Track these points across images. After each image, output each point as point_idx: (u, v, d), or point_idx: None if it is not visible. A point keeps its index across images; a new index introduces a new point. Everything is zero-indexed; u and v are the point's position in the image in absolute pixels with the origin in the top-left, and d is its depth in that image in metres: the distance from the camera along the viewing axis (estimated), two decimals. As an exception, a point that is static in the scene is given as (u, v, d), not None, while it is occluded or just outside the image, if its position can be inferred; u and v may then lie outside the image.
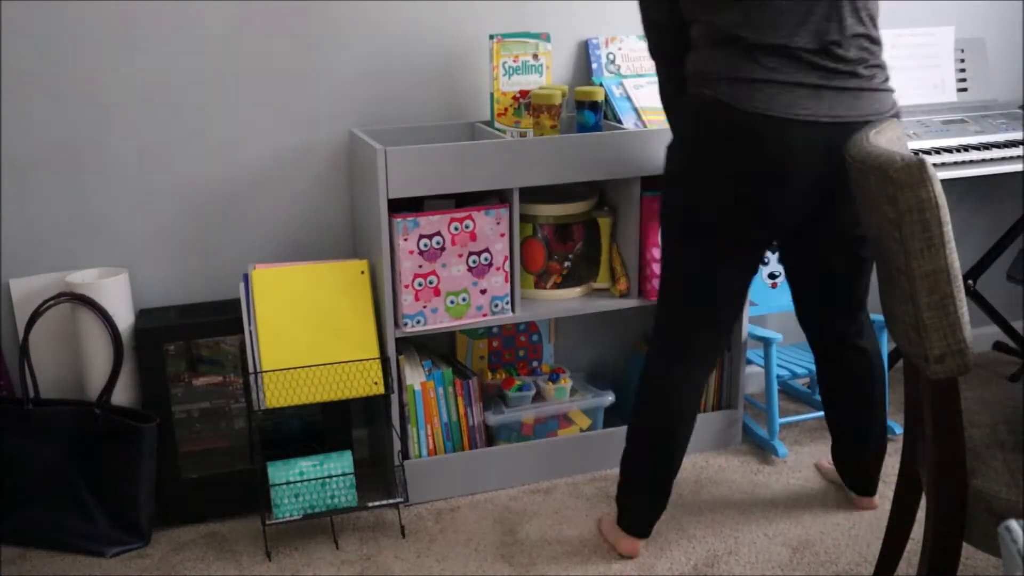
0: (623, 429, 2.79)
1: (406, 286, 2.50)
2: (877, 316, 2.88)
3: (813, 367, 2.89)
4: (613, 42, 2.85)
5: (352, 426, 2.71)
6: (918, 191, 1.55)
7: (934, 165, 2.62)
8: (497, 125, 2.70)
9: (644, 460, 2.35)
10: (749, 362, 2.95)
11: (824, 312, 2.40)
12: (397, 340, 2.56)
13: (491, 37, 2.65)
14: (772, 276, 2.99)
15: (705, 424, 2.85)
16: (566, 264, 2.72)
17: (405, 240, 2.47)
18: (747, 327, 2.83)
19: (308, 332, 2.49)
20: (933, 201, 1.55)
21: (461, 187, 2.48)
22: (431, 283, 2.52)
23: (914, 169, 1.54)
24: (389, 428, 2.58)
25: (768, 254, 2.94)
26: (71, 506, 2.47)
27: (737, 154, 2.07)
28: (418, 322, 2.53)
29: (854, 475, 2.54)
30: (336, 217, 2.79)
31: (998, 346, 3.44)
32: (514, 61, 2.66)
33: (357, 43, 2.69)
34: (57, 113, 2.54)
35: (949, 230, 1.57)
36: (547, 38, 2.69)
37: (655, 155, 2.58)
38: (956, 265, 1.58)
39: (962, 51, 3.14)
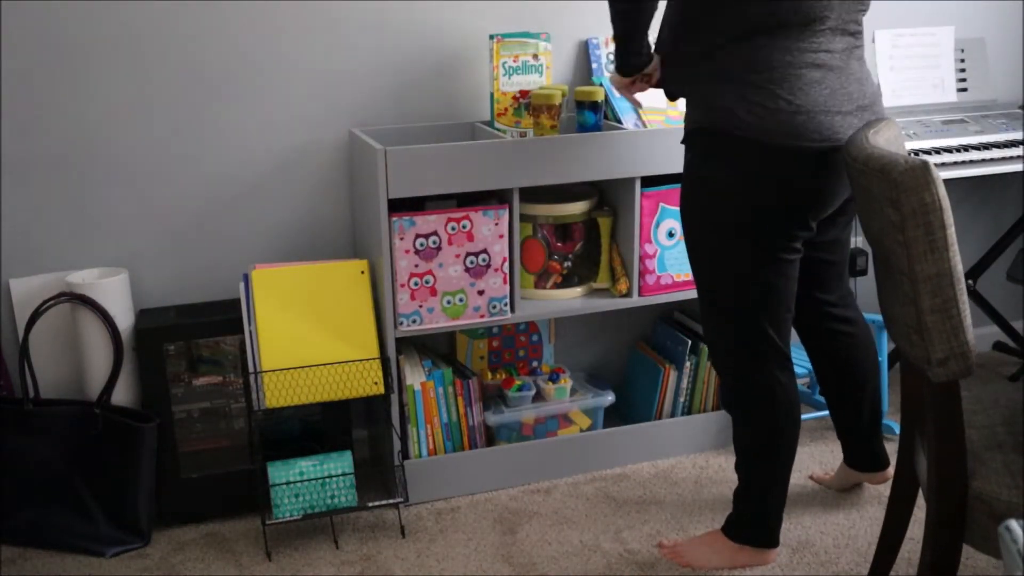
0: (623, 429, 2.80)
1: (402, 285, 2.50)
2: (876, 316, 2.89)
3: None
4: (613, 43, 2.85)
5: (352, 426, 2.70)
6: (922, 194, 1.55)
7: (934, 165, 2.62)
8: (497, 125, 2.69)
9: (778, 470, 2.27)
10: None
11: (817, 294, 2.41)
12: (397, 340, 2.56)
13: (491, 37, 2.65)
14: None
15: (705, 424, 2.85)
16: (566, 264, 2.72)
17: (401, 239, 2.47)
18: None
19: (308, 332, 2.49)
20: (937, 204, 1.55)
21: (461, 187, 2.48)
22: (427, 283, 2.52)
23: (918, 172, 1.54)
24: (389, 428, 2.58)
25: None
26: (71, 506, 2.47)
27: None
28: (414, 321, 2.53)
29: (866, 450, 2.55)
30: (336, 217, 2.79)
31: (998, 346, 3.45)
32: (514, 61, 2.66)
33: (357, 43, 2.69)
34: (57, 113, 2.53)
35: (952, 233, 1.57)
36: (547, 38, 2.69)
37: (655, 155, 2.58)
38: (959, 268, 1.58)
39: (962, 51, 3.14)
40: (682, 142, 2.21)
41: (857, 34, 2.11)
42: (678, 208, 2.27)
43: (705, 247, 2.19)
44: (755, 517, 2.32)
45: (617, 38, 2.24)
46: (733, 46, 2.04)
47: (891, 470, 2.57)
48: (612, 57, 2.83)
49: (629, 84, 2.33)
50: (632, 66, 2.26)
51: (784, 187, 2.07)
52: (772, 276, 2.15)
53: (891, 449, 2.86)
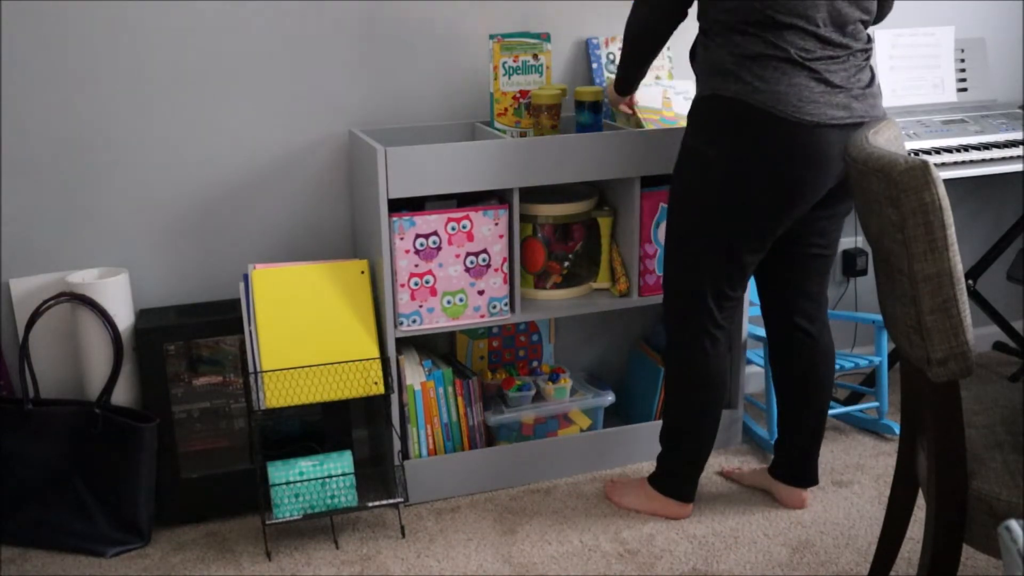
0: (623, 429, 2.80)
1: (402, 285, 2.50)
2: (876, 316, 2.89)
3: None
4: (613, 42, 2.85)
5: (352, 426, 2.70)
6: (922, 194, 1.55)
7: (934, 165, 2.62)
8: (497, 125, 2.69)
9: (700, 429, 2.45)
10: (749, 362, 2.95)
11: (795, 292, 2.44)
12: (397, 340, 2.56)
13: (491, 37, 2.65)
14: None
15: (705, 424, 2.85)
16: (566, 264, 2.72)
17: (401, 239, 2.47)
18: (747, 327, 2.83)
19: (308, 332, 2.49)
20: (937, 204, 1.55)
21: (461, 187, 2.48)
22: (427, 283, 2.52)
23: (918, 171, 1.54)
24: (389, 428, 2.58)
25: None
26: (71, 506, 2.47)
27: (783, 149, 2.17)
28: (414, 321, 2.53)
29: (797, 462, 2.55)
30: (336, 217, 2.79)
31: (998, 346, 3.45)
32: (514, 61, 2.66)
33: (357, 43, 2.69)
34: (57, 113, 2.53)
35: (952, 232, 1.57)
36: (547, 38, 2.68)
37: (655, 155, 2.58)
38: (959, 267, 1.58)
39: (962, 51, 3.14)
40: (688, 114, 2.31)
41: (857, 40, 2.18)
42: None
43: (684, 215, 2.31)
44: (670, 470, 2.52)
45: (625, 58, 2.45)
46: (727, 37, 2.17)
47: (808, 495, 2.58)
48: (613, 58, 2.84)
49: (621, 99, 2.61)
50: (626, 90, 2.54)
51: (773, 161, 2.15)
52: (733, 258, 2.27)
53: (891, 449, 2.87)
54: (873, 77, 2.22)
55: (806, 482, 2.56)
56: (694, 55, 2.32)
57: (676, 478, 2.52)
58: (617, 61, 2.57)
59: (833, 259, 2.45)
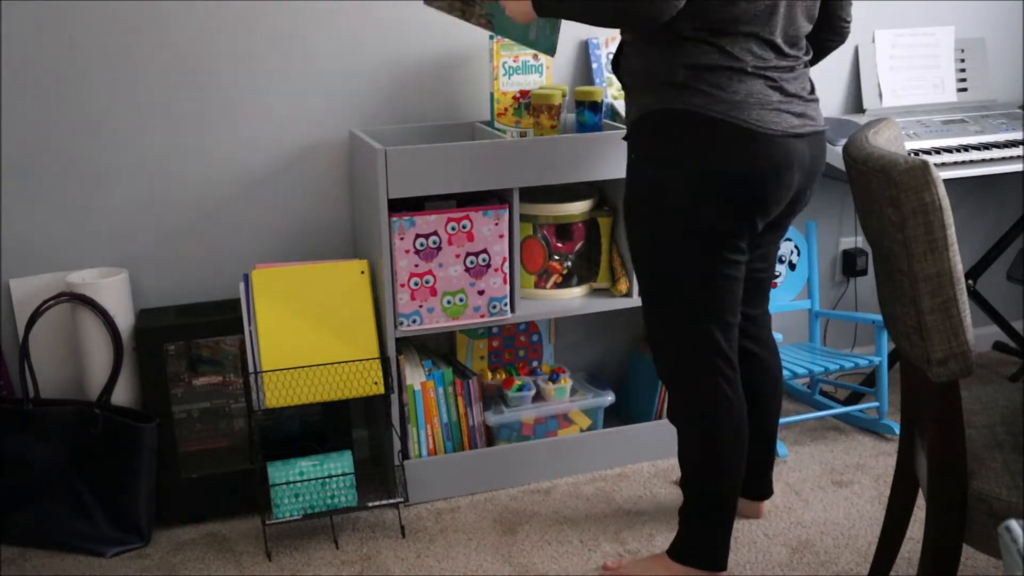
0: (623, 429, 2.80)
1: (402, 285, 2.50)
2: (876, 316, 2.89)
3: (813, 367, 2.89)
4: (613, 42, 2.85)
5: (352, 426, 2.70)
6: (922, 194, 1.55)
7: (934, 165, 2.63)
8: (497, 125, 2.69)
9: (724, 488, 2.19)
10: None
11: (744, 309, 2.33)
12: (397, 340, 2.56)
13: (491, 37, 2.65)
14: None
15: (705, 424, 2.85)
16: (566, 264, 2.72)
17: (401, 239, 2.47)
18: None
19: (308, 332, 2.49)
20: (937, 204, 1.55)
21: (461, 187, 2.48)
22: (427, 283, 2.52)
23: (918, 171, 1.54)
24: (389, 428, 2.58)
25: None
26: (71, 506, 2.47)
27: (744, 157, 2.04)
28: (414, 321, 2.53)
29: (751, 476, 2.41)
30: (336, 217, 2.79)
31: (998, 346, 3.45)
32: (514, 61, 2.66)
33: (357, 43, 2.69)
34: (57, 114, 2.53)
35: (952, 232, 1.57)
36: (547, 38, 2.68)
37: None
38: (959, 267, 1.59)
39: (962, 51, 3.14)
40: (625, 138, 2.17)
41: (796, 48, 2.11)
42: None
43: (652, 245, 2.13)
44: (701, 538, 2.23)
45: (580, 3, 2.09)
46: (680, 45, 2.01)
47: (766, 506, 2.54)
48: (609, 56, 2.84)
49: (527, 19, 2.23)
50: (542, 11, 2.16)
51: (738, 171, 2.01)
52: (721, 278, 2.09)
53: (891, 449, 2.87)
54: (813, 86, 2.16)
55: (761, 495, 2.53)
56: (618, 65, 2.19)
57: (711, 547, 2.22)
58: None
59: (771, 279, 2.38)
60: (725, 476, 2.18)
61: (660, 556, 2.28)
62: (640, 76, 2.09)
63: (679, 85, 2.01)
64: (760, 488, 2.53)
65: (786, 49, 2.06)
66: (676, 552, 2.25)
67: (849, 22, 2.26)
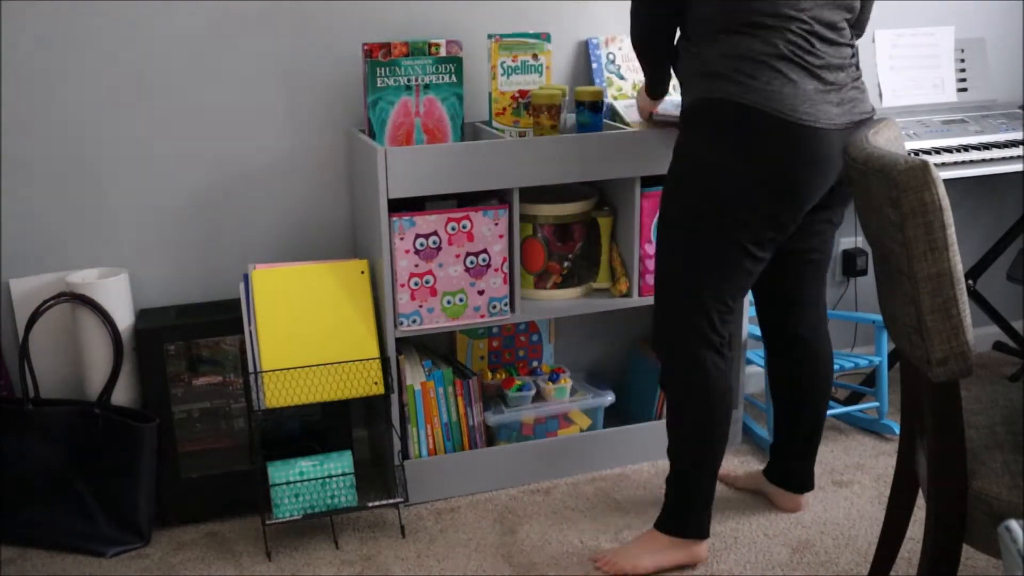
0: (623, 429, 2.80)
1: (402, 285, 2.50)
2: (876, 316, 2.89)
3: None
4: (613, 42, 2.85)
5: (352, 426, 2.70)
6: (922, 194, 1.55)
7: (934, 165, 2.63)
8: (495, 124, 2.69)
9: (708, 458, 2.29)
10: (749, 362, 2.95)
11: (793, 295, 2.40)
12: (397, 340, 2.56)
13: (489, 36, 2.65)
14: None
15: (705, 424, 2.85)
16: (566, 264, 2.72)
17: (401, 239, 2.47)
18: (747, 327, 2.83)
19: (308, 332, 2.49)
20: (937, 204, 1.55)
21: (461, 187, 2.48)
22: (427, 283, 2.52)
23: (918, 171, 1.54)
24: (389, 428, 2.58)
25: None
26: (71, 506, 2.47)
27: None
28: (414, 321, 2.53)
29: (793, 467, 2.53)
30: (336, 217, 2.79)
31: (998, 346, 3.45)
32: (513, 61, 2.66)
33: (357, 43, 2.69)
34: (57, 113, 2.53)
35: (952, 232, 1.57)
36: (547, 38, 2.68)
37: (655, 155, 2.57)
38: (959, 268, 1.58)
39: (962, 51, 3.14)
40: (680, 121, 2.26)
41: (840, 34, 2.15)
42: None
43: (679, 221, 2.21)
44: (683, 506, 2.32)
45: (641, 62, 2.37)
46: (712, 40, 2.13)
47: (805, 500, 2.56)
48: (613, 58, 2.84)
49: (651, 105, 2.53)
50: (657, 93, 2.45)
51: (771, 162, 2.09)
52: (735, 263, 2.17)
53: (891, 449, 2.87)
54: (859, 74, 2.19)
55: (803, 487, 2.55)
56: (675, 65, 2.29)
57: (692, 514, 2.32)
58: (617, 60, 2.56)
59: (828, 264, 2.43)
60: (709, 446, 2.28)
61: (650, 533, 2.36)
62: (686, 70, 2.22)
63: (715, 75, 2.11)
64: (802, 479, 2.54)
65: (827, 34, 2.10)
66: (663, 523, 2.34)
67: (866, 20, 2.30)
